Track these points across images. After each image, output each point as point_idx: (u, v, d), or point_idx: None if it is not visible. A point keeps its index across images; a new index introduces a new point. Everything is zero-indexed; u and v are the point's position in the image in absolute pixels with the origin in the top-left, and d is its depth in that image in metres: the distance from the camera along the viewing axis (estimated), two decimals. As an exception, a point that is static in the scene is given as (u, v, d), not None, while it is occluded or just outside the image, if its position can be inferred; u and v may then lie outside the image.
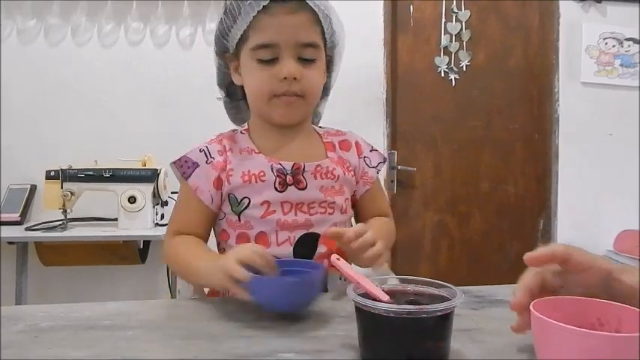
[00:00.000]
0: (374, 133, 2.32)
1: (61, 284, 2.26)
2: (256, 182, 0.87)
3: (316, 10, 0.86)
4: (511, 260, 2.49)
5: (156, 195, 2.01)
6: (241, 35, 0.87)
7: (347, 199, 0.95)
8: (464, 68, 2.47)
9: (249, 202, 0.87)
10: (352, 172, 0.96)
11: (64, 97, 2.25)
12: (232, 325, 0.65)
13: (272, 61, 0.85)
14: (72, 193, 1.96)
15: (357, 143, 0.99)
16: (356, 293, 0.55)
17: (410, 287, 0.59)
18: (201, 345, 0.58)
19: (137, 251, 2.13)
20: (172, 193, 2.11)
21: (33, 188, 2.19)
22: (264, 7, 0.83)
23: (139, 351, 0.57)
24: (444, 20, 2.45)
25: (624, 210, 2.47)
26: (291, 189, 0.88)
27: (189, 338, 0.61)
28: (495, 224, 2.53)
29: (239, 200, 0.88)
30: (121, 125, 2.27)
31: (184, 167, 0.88)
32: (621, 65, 2.50)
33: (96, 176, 1.98)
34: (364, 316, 0.54)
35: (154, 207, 2.03)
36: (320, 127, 1.02)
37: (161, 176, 1.99)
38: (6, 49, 2.23)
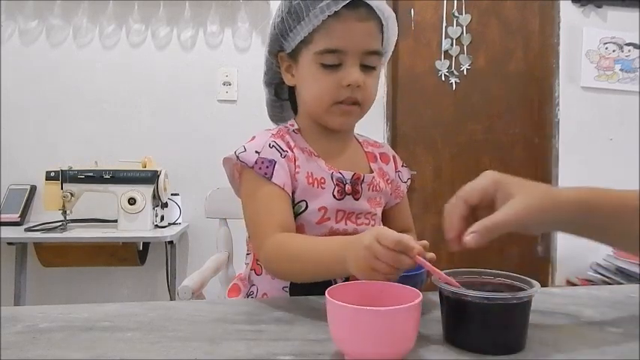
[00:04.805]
0: (374, 136, 2.28)
1: (60, 285, 2.26)
2: (317, 187, 0.87)
3: (382, 18, 0.86)
4: (511, 264, 2.49)
5: (156, 197, 2.00)
6: (305, 37, 0.85)
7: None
8: (464, 72, 2.47)
9: (307, 206, 0.86)
10: (390, 185, 0.98)
11: (64, 98, 2.26)
12: (232, 328, 0.65)
13: (336, 66, 0.84)
14: (72, 194, 1.96)
15: (394, 157, 1.02)
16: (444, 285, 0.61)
17: (484, 278, 0.67)
18: (200, 347, 0.58)
19: (136, 253, 2.13)
20: (172, 194, 2.11)
21: (33, 189, 2.19)
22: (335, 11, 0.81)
23: (138, 352, 0.57)
24: (444, 24, 2.46)
25: (624, 214, 2.46)
26: (348, 198, 0.89)
27: (188, 340, 0.61)
28: (495, 228, 2.53)
29: (296, 202, 0.86)
30: (121, 126, 2.27)
31: (263, 168, 0.83)
32: (621, 70, 2.50)
33: (96, 177, 1.98)
34: (457, 304, 0.59)
35: (153, 208, 2.03)
36: (358, 134, 1.01)
37: (161, 178, 1.99)
38: (7, 50, 2.23)
